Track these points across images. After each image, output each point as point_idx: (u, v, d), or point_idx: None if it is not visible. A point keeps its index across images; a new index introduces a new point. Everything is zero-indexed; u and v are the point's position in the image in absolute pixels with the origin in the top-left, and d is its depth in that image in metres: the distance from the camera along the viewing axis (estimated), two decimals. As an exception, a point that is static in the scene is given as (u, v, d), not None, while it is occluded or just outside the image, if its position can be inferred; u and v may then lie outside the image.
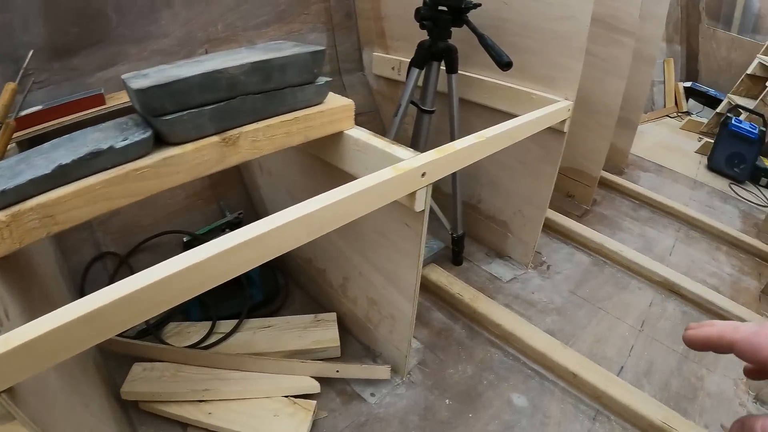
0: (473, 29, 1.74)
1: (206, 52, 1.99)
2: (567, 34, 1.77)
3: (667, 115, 4.98)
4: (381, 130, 2.47)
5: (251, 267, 0.90)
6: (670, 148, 4.16)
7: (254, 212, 2.21)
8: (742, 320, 2.12)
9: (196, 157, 1.09)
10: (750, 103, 4.18)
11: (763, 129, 3.69)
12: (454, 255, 2.32)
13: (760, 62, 4.31)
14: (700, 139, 4.41)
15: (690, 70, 5.46)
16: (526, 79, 1.94)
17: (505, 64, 1.65)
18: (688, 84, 5.20)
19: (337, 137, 1.40)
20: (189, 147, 1.08)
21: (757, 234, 3.08)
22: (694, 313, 2.28)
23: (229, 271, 0.86)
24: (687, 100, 5.21)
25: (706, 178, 3.72)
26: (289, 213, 0.93)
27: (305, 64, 1.23)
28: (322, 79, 1.30)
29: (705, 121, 4.67)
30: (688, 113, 5.12)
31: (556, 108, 1.81)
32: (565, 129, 1.92)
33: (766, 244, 2.93)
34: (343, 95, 1.39)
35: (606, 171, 3.27)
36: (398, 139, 1.57)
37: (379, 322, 1.72)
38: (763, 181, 3.81)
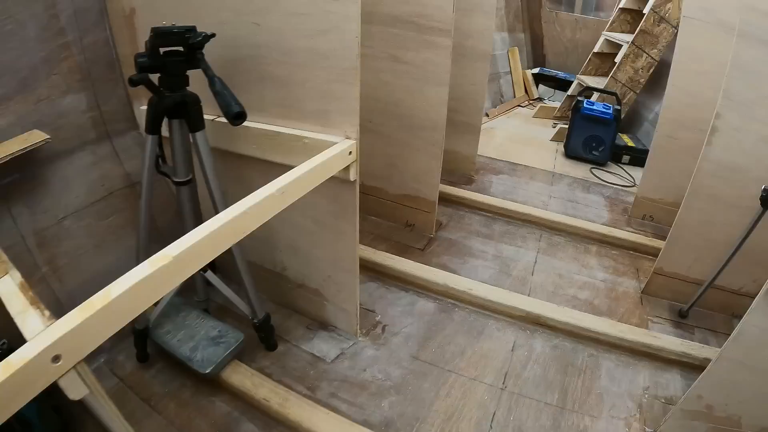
0: (204, 70, 1.27)
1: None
2: (331, 52, 1.35)
3: (518, 105, 4.75)
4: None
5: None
6: (523, 141, 3.87)
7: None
8: (624, 341, 1.88)
9: None
10: (601, 82, 3.98)
11: (618, 107, 3.45)
12: (264, 341, 1.79)
13: (606, 39, 4.13)
14: (554, 125, 4.17)
15: (537, 56, 5.29)
16: (294, 118, 1.50)
17: (233, 117, 1.21)
18: (536, 70, 5.02)
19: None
20: None
21: (628, 221, 2.80)
22: (567, 344, 1.90)
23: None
24: (537, 87, 5.02)
25: (565, 168, 3.44)
26: None
27: None
28: None
29: (558, 105, 4.47)
30: (540, 99, 4.94)
31: (334, 153, 1.37)
32: (352, 177, 1.48)
33: (639, 231, 2.67)
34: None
35: (452, 184, 2.90)
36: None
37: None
38: (625, 158, 3.61)
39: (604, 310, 2.09)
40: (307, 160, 1.32)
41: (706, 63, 2.38)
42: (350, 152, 1.42)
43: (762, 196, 1.63)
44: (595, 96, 3.77)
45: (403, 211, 2.45)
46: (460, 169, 3.00)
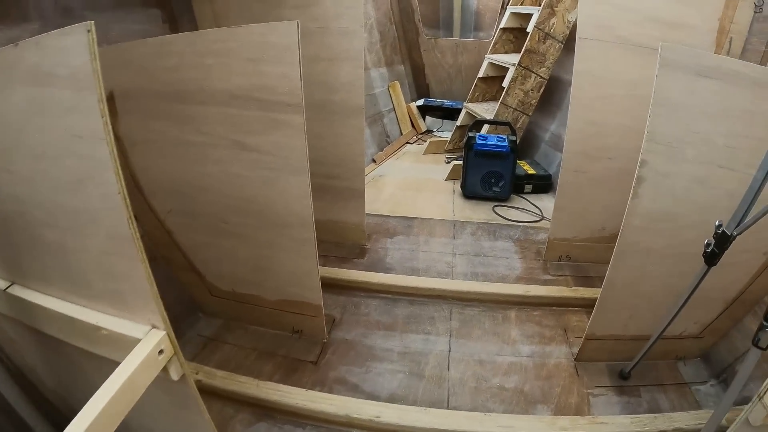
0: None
1: None
2: (95, 212, 0.97)
3: (407, 143, 4.43)
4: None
5: None
6: (416, 186, 3.52)
7: None
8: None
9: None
10: (490, 108, 3.74)
11: (513, 138, 3.18)
12: None
13: (490, 62, 3.88)
14: (447, 161, 3.89)
15: (419, 87, 5.00)
16: (84, 296, 1.10)
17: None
18: (421, 102, 4.75)
19: None
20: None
21: (544, 266, 2.51)
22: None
23: None
24: (424, 119, 4.75)
25: (466, 212, 3.11)
26: None
27: None
28: None
29: (448, 136, 4.21)
30: (429, 132, 4.69)
31: (136, 364, 0.95)
32: (176, 375, 1.05)
33: (557, 276, 2.42)
34: None
35: (342, 261, 2.52)
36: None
37: None
38: (527, 188, 3.37)
39: (538, 397, 1.77)
40: (116, 352, 0.98)
41: (608, 85, 2.14)
42: (161, 350, 0.98)
43: (705, 252, 1.39)
44: (485, 127, 3.48)
45: (286, 317, 2.01)
46: (348, 239, 2.61)
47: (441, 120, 4.71)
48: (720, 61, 1.43)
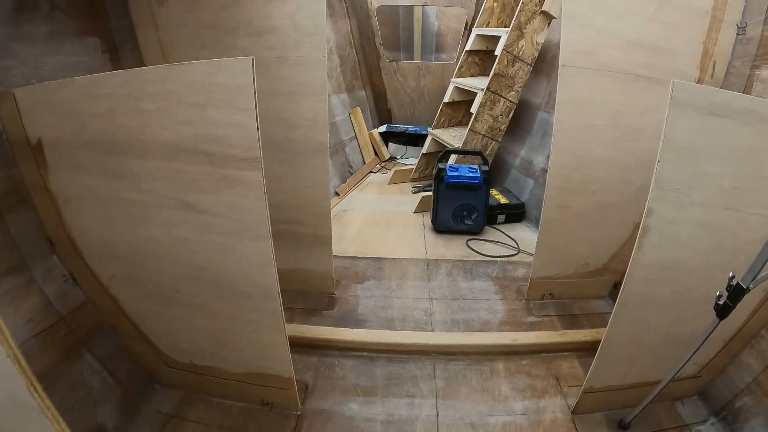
0: None
1: None
2: None
3: (370, 172, 4.22)
4: None
5: None
6: (385, 221, 3.31)
7: None
8: None
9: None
10: (457, 135, 3.59)
11: (485, 167, 3.01)
12: None
13: (455, 86, 3.68)
14: (415, 191, 3.71)
15: (381, 112, 4.78)
16: None
17: None
18: (383, 128, 4.55)
19: None
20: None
21: (527, 306, 2.36)
22: None
23: None
24: (387, 146, 4.55)
25: (439, 248, 2.93)
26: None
27: None
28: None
29: (413, 164, 4.02)
30: (392, 159, 4.51)
31: None
32: None
33: (542, 317, 2.28)
34: None
35: (310, 312, 2.30)
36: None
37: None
38: (500, 218, 3.22)
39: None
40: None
41: (591, 115, 2.02)
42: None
43: (717, 305, 1.29)
44: (453, 156, 3.31)
45: (254, 389, 1.76)
46: (315, 288, 2.39)
47: (405, 146, 4.54)
48: (730, 98, 1.31)
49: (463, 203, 2.97)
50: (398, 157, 4.52)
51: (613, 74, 1.96)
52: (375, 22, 4.39)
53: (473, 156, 3.30)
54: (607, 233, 2.27)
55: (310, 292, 2.40)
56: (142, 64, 2.11)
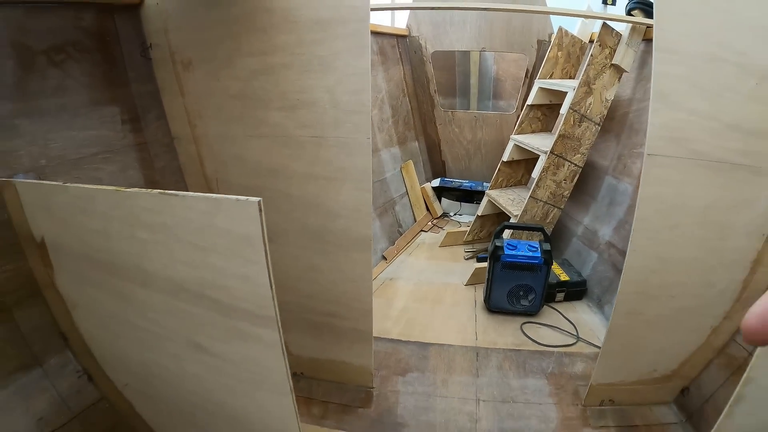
0: None
1: None
2: None
3: (421, 231, 4.00)
4: None
5: None
6: (433, 296, 3.08)
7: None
8: None
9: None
10: (515, 198, 3.37)
11: (547, 245, 2.76)
12: None
13: (515, 144, 3.44)
14: (468, 256, 3.48)
15: (434, 165, 4.55)
16: None
17: None
18: (437, 182, 4.35)
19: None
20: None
21: (584, 415, 2.11)
22: None
23: None
24: (440, 201, 4.34)
25: (489, 333, 2.69)
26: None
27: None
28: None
29: (467, 222, 3.82)
30: (445, 215, 4.29)
31: None
32: None
33: (598, 425, 2.04)
34: None
35: (343, 410, 2.09)
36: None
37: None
38: (559, 296, 2.96)
39: None
40: None
41: (678, 214, 1.73)
42: None
43: None
44: (507, 234, 3.07)
45: None
46: (352, 382, 2.20)
47: (459, 203, 4.32)
48: None
49: (520, 284, 2.73)
50: (451, 214, 4.31)
51: (707, 163, 1.65)
52: (430, 67, 4.22)
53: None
54: (679, 338, 1.99)
55: (347, 384, 2.22)
56: (168, 135, 2.00)
